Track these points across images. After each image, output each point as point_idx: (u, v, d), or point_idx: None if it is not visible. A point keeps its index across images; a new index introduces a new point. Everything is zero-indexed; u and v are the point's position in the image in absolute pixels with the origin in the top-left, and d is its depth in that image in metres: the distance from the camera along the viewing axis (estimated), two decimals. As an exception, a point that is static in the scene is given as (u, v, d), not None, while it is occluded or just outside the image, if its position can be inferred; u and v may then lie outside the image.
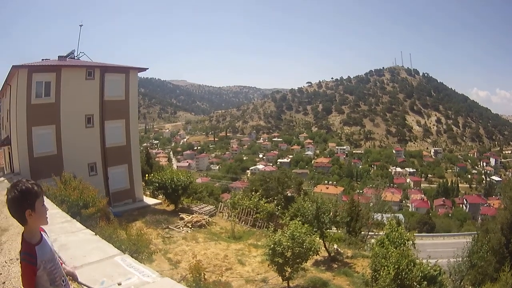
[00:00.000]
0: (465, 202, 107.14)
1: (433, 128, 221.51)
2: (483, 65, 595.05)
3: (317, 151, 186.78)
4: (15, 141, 21.60)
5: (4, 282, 5.66)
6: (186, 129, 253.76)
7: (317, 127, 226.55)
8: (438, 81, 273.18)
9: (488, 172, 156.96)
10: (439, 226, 59.86)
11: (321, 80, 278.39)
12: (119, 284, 4.07)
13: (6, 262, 6.52)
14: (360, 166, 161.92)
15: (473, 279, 15.33)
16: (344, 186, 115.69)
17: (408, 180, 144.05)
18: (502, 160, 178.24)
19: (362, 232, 23.04)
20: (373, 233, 24.33)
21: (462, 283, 14.82)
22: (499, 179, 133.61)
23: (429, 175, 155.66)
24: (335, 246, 18.44)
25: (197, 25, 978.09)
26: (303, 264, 13.28)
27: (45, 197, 3.04)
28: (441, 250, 25.30)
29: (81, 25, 27.88)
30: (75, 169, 18.49)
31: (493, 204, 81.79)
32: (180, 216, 22.16)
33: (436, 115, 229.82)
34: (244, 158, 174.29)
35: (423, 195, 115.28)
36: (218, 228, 21.87)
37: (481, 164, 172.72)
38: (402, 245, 12.63)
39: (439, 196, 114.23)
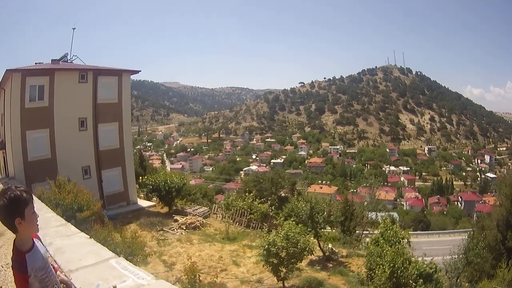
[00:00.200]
0: (460, 199, 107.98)
1: (426, 126, 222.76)
2: (476, 63, 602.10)
3: (311, 151, 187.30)
4: (10, 145, 21.47)
5: (1, 287, 5.67)
6: (179, 131, 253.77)
7: (310, 127, 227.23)
8: (431, 80, 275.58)
9: (483, 169, 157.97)
10: (434, 224, 59.90)
11: (313, 80, 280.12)
12: (114, 287, 4.09)
13: (2, 267, 6.50)
14: (354, 166, 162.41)
15: (470, 276, 15.41)
16: (338, 185, 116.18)
17: (402, 178, 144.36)
18: (497, 157, 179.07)
19: (357, 231, 23.10)
20: (367, 232, 24.42)
21: (458, 280, 14.90)
22: (494, 176, 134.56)
23: (423, 173, 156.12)
24: (330, 246, 18.51)
25: (190, 27, 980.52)
26: (298, 264, 13.33)
27: (39, 201, 3.07)
28: (436, 248, 25.39)
29: (74, 28, 27.63)
30: (69, 172, 18.44)
31: (488, 201, 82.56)
32: (174, 218, 22.16)
33: (429, 113, 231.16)
34: (238, 159, 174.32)
35: (417, 193, 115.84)
36: (213, 229, 21.90)
37: (476, 162, 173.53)
38: (397, 243, 12.73)
39: (434, 194, 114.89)
